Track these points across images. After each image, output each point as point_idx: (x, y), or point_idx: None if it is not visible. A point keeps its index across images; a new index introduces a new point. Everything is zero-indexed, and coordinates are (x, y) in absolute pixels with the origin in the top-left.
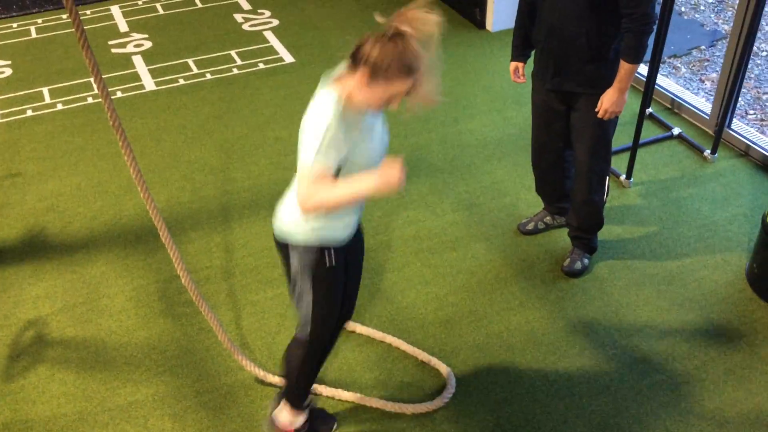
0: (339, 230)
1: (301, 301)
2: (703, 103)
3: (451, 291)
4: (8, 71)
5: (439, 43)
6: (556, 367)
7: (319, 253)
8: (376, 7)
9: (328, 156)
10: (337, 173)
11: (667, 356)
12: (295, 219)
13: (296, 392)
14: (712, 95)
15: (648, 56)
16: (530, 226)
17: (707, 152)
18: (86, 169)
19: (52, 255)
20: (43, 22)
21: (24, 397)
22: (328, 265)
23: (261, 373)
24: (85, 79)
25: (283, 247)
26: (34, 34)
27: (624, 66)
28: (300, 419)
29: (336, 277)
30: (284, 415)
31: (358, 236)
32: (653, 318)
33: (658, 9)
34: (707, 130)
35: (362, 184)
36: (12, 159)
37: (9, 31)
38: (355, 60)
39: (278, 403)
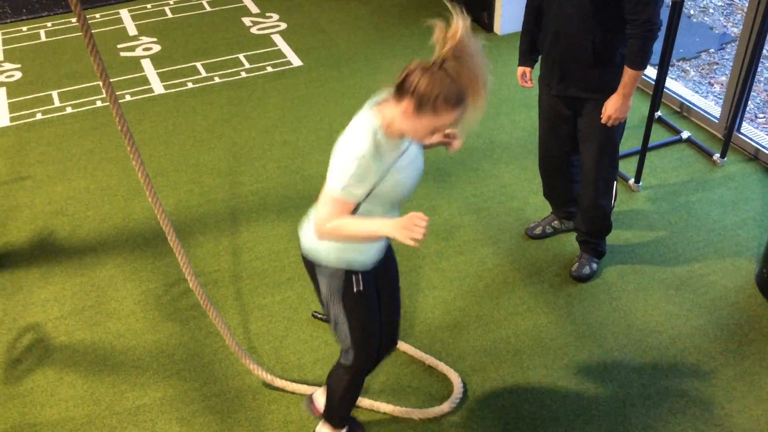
0: (365, 253)
1: (338, 327)
2: (712, 107)
3: (459, 295)
4: (18, 74)
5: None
6: (565, 372)
7: (345, 277)
8: (384, 11)
9: (356, 187)
10: (363, 199)
11: (676, 362)
12: (321, 243)
13: (338, 414)
14: (721, 99)
15: (657, 59)
16: (538, 231)
17: (716, 156)
18: (95, 173)
19: (60, 258)
20: (53, 25)
21: (32, 400)
22: (356, 290)
23: (268, 377)
24: (95, 83)
25: (309, 265)
26: (43, 38)
27: (628, 72)
28: None
29: (368, 300)
30: (326, 429)
31: (388, 257)
32: (662, 323)
33: (666, 12)
34: (716, 133)
35: (382, 228)
36: (21, 162)
37: (19, 34)
38: (402, 89)
39: (310, 401)
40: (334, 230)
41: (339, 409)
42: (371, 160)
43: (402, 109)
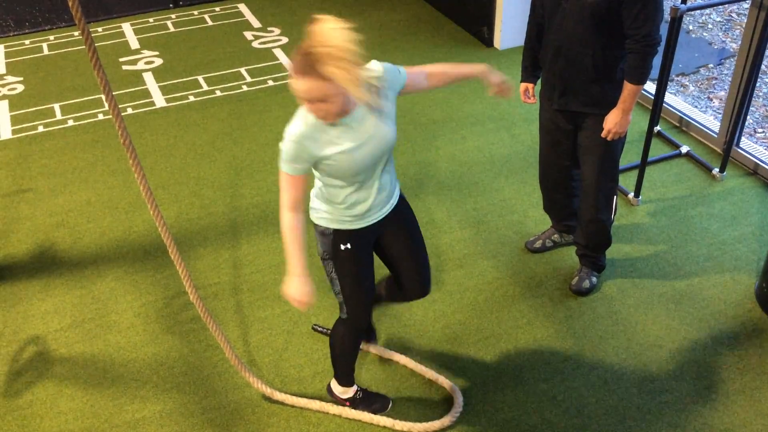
0: (350, 217)
1: (333, 284)
2: (711, 122)
3: (459, 309)
4: (20, 87)
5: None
6: (565, 386)
7: (333, 236)
8: (385, 26)
9: (292, 166)
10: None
11: (676, 376)
12: (314, 202)
13: (340, 369)
14: (720, 113)
15: (656, 74)
16: (538, 244)
17: (716, 171)
18: (96, 185)
19: (61, 270)
20: (55, 39)
21: (32, 412)
22: (343, 248)
23: (268, 391)
24: (97, 96)
25: (314, 225)
26: (46, 51)
27: (628, 87)
28: (350, 391)
29: (356, 259)
30: (335, 386)
31: (396, 217)
32: (662, 337)
33: (666, 28)
34: (716, 148)
35: (290, 262)
36: (23, 174)
37: (22, 47)
38: None
39: (330, 390)
40: (282, 227)
41: (340, 364)
42: (304, 140)
43: None
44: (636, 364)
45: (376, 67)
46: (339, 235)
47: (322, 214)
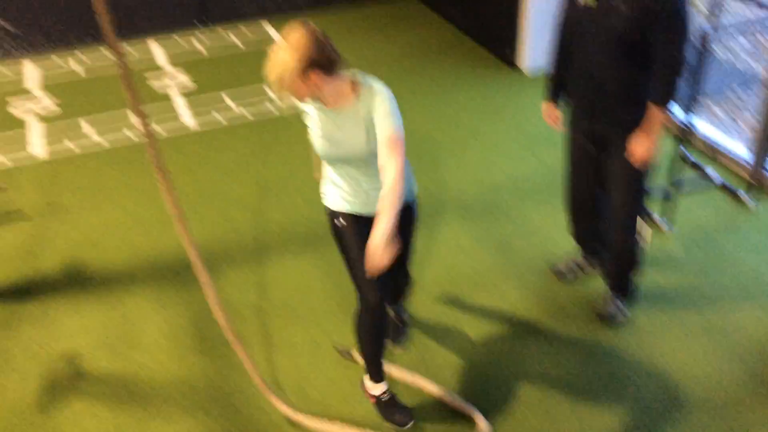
0: (337, 198)
1: (345, 266)
2: (741, 148)
3: (483, 334)
4: (56, 108)
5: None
6: (591, 414)
7: (331, 215)
8: (411, 48)
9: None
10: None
11: (706, 409)
12: (322, 187)
13: (367, 360)
14: (749, 140)
15: (685, 99)
16: (564, 269)
17: (747, 198)
18: (127, 204)
19: (90, 288)
20: (91, 60)
21: (58, 431)
22: (339, 225)
23: (292, 413)
24: (130, 116)
25: None
26: (81, 72)
27: (653, 109)
28: (378, 388)
29: (354, 232)
30: (366, 380)
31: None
32: (691, 368)
33: (694, 51)
34: (745, 176)
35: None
36: (55, 192)
37: (59, 68)
38: None
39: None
40: None
41: (365, 354)
42: (307, 117)
43: None
44: (664, 395)
45: (366, 98)
46: (333, 215)
47: (325, 193)
